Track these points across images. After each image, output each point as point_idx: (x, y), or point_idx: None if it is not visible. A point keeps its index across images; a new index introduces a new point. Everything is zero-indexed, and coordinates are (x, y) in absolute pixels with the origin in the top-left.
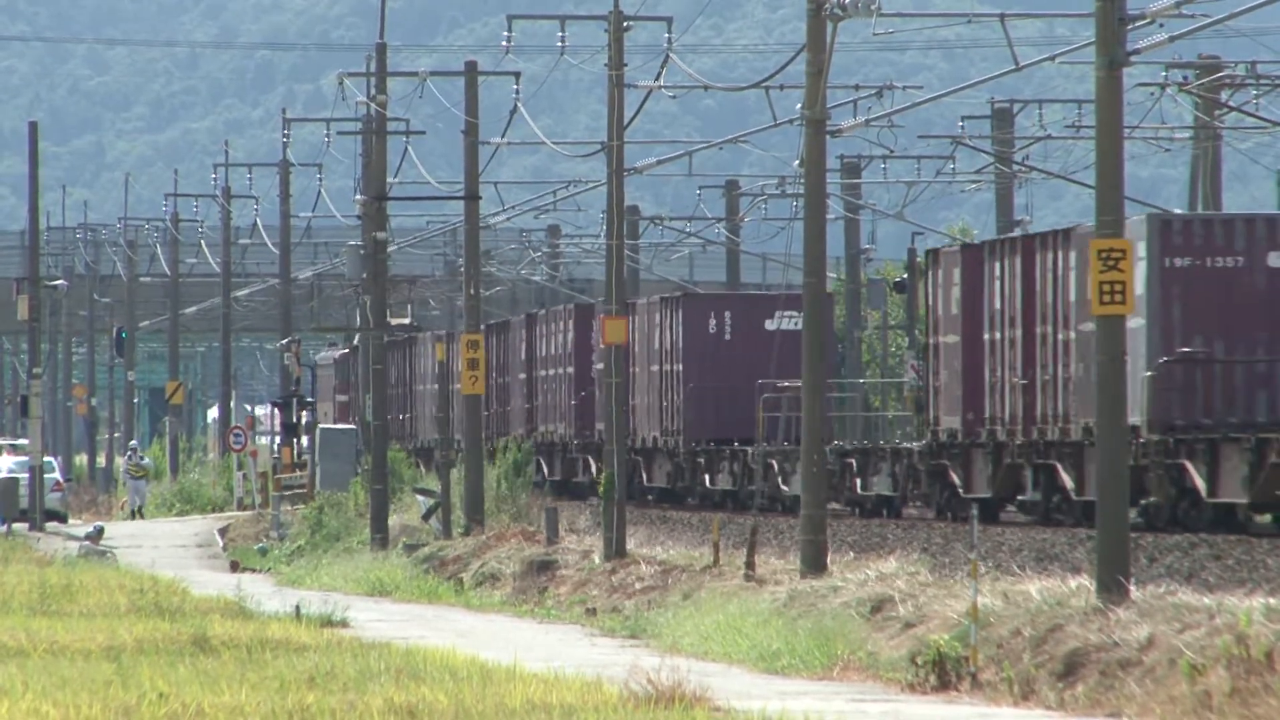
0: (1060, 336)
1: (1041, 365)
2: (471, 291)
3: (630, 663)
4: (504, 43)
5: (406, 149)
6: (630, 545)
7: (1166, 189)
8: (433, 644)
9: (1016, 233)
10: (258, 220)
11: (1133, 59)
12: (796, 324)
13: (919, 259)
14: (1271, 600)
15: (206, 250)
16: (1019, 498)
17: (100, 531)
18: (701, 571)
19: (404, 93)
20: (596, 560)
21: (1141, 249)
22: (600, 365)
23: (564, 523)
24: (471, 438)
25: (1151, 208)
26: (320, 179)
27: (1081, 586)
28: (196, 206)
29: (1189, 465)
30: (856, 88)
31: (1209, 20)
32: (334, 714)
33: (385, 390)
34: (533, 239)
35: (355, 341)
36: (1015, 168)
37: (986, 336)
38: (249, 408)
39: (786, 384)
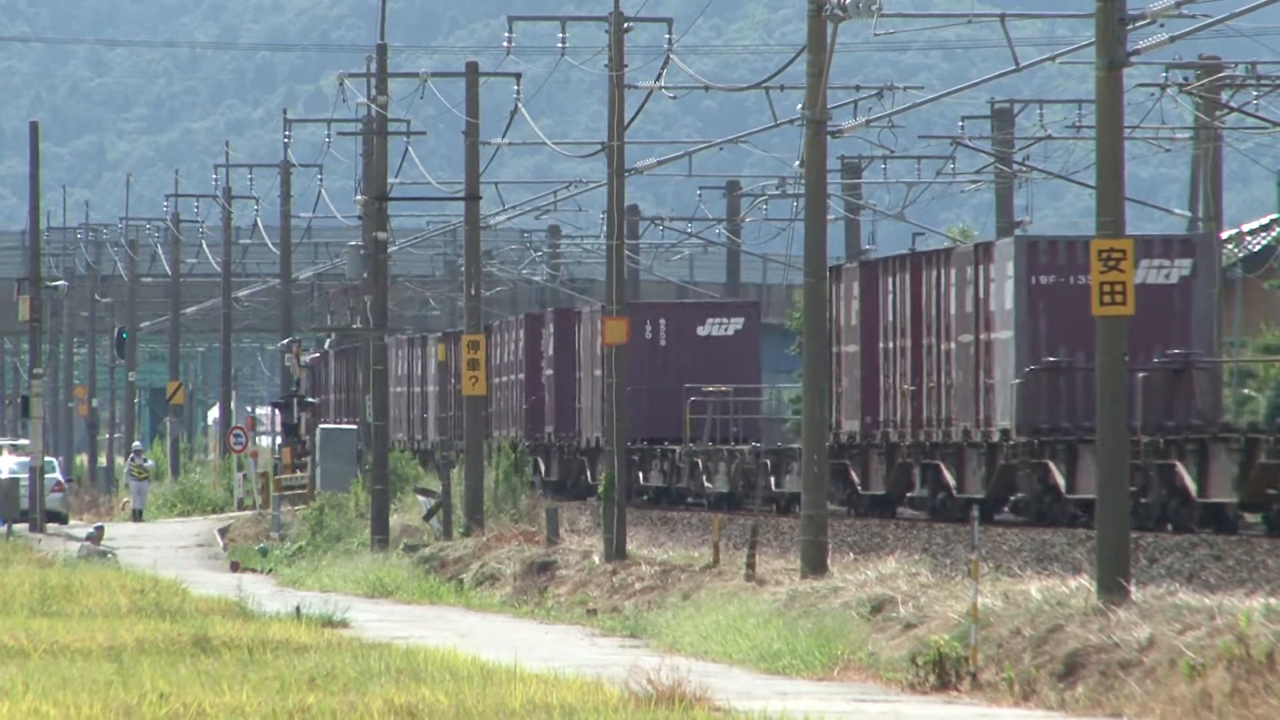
0: (943, 347)
1: (927, 373)
2: (472, 292)
3: (630, 663)
4: (505, 43)
5: (407, 149)
6: (630, 546)
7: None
8: (433, 644)
9: (926, 247)
10: (258, 220)
11: (1133, 59)
12: (726, 330)
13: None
14: (1272, 601)
15: (207, 250)
16: (908, 494)
17: (101, 532)
18: (701, 572)
19: (405, 93)
20: (597, 561)
21: (1010, 268)
22: (550, 371)
23: (564, 523)
24: (472, 438)
25: (1152, 208)
26: (321, 179)
27: (1081, 587)
28: (197, 207)
29: (1052, 465)
30: (857, 88)
31: (1209, 20)
32: (334, 714)
33: (385, 390)
34: (533, 239)
35: (327, 346)
36: (1015, 168)
37: (881, 346)
38: (249, 408)
39: (711, 388)
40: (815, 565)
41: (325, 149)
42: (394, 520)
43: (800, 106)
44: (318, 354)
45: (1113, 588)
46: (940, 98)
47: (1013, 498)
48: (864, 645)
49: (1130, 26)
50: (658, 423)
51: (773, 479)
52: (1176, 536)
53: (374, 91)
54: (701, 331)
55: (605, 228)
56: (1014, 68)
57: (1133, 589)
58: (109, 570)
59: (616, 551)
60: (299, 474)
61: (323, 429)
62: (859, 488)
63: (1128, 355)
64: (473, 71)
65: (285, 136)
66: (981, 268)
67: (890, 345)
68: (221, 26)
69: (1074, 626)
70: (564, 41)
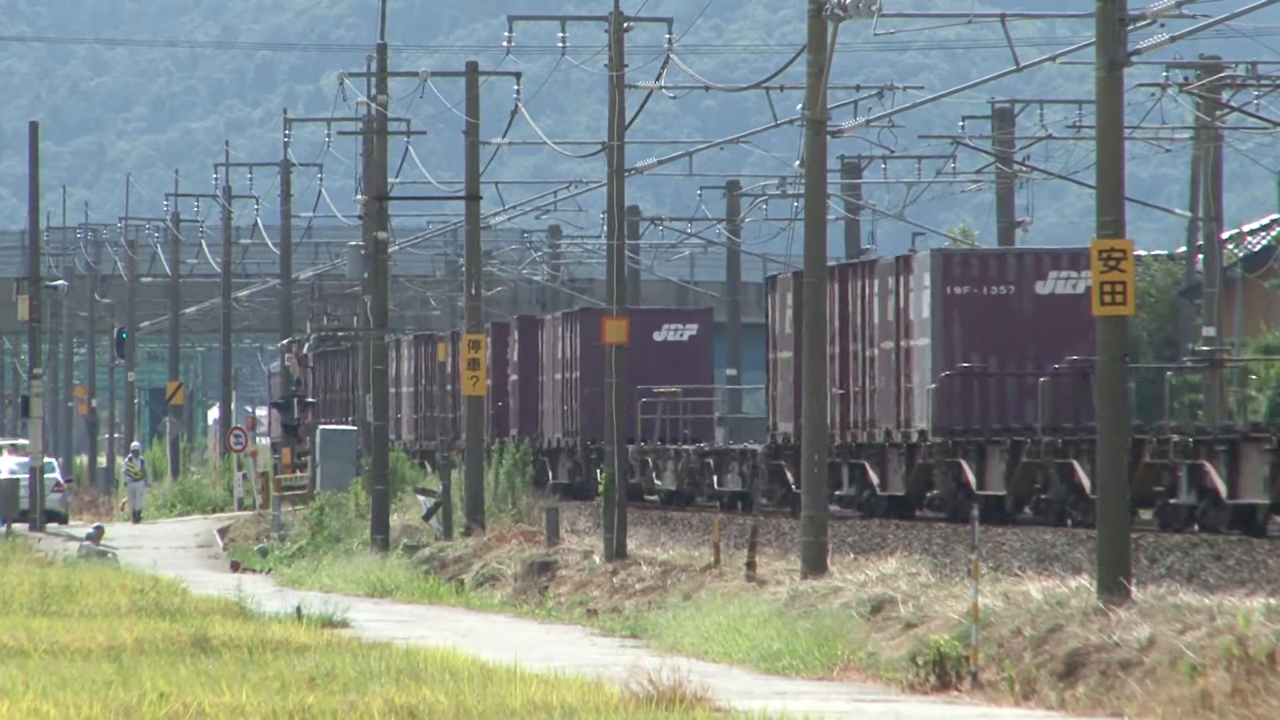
0: (868, 353)
1: (854, 378)
2: (473, 292)
3: (631, 663)
4: (505, 43)
5: (407, 149)
6: (631, 546)
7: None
8: (433, 644)
9: (875, 255)
10: (258, 220)
11: (1133, 59)
12: (681, 336)
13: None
14: (1272, 601)
15: (207, 250)
16: (837, 493)
17: (100, 532)
18: (702, 572)
19: (405, 93)
20: (597, 561)
21: (927, 279)
22: (515, 377)
23: (565, 523)
24: (473, 438)
25: (1152, 208)
26: (321, 179)
27: (1082, 587)
28: (197, 206)
29: (964, 464)
30: (857, 88)
31: (1209, 20)
32: (334, 714)
33: (385, 390)
34: (534, 239)
35: (305, 349)
36: (1016, 168)
37: None
38: (249, 408)
39: (661, 389)
40: (815, 565)
41: (325, 149)
42: (394, 520)
43: (800, 106)
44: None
45: (1113, 588)
46: (940, 98)
47: (928, 495)
48: (864, 645)
49: (1130, 26)
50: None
51: (715, 478)
52: (1176, 536)
53: (374, 91)
54: (658, 337)
55: (605, 228)
56: (1014, 68)
57: (1133, 589)
58: (109, 570)
59: (617, 551)
60: (299, 474)
61: (323, 429)
62: (793, 486)
63: (1070, 362)
64: (473, 71)
65: (285, 136)
66: (901, 279)
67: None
68: (221, 26)
69: (1074, 626)
70: (564, 41)
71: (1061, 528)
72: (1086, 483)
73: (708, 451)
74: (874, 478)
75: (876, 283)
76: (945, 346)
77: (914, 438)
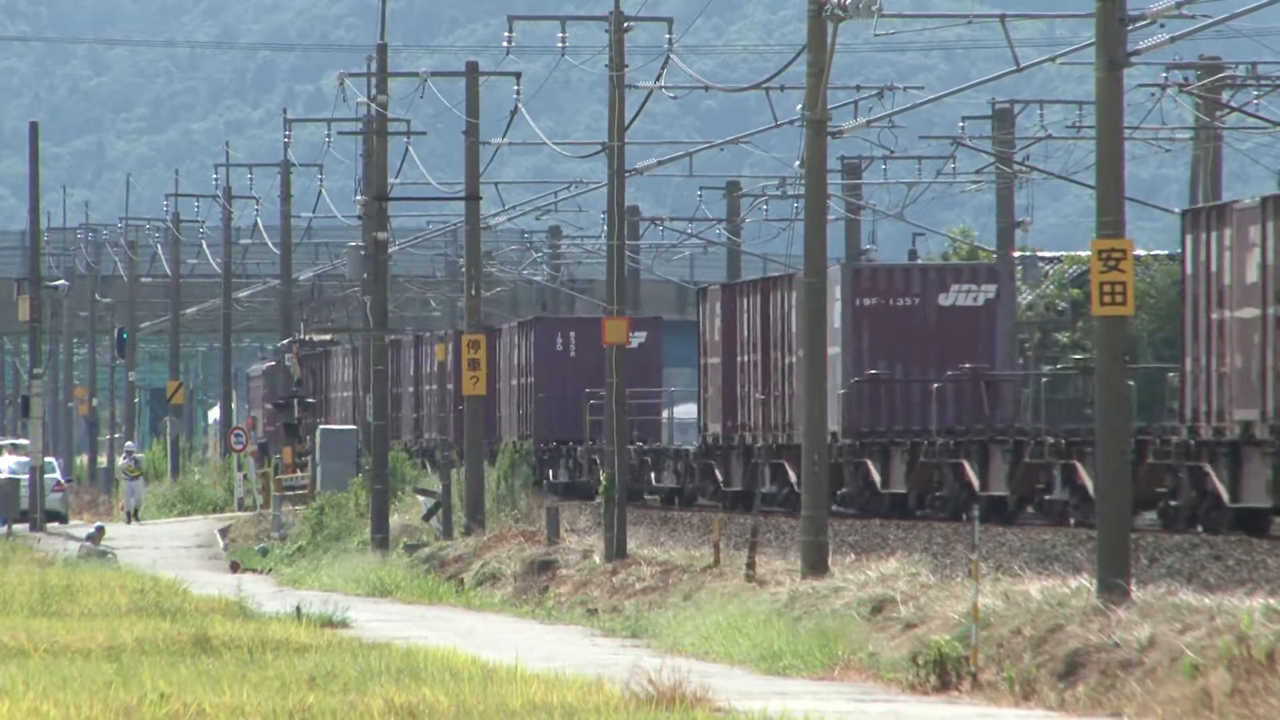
0: (786, 360)
1: (774, 383)
2: (473, 292)
3: (631, 663)
4: (505, 43)
5: (407, 149)
6: (631, 545)
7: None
8: (433, 644)
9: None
10: (258, 221)
11: (1133, 59)
12: (631, 343)
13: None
14: (1272, 601)
15: (207, 251)
16: (761, 490)
17: (101, 532)
18: (702, 572)
19: (404, 93)
20: (597, 560)
21: (838, 291)
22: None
23: (565, 523)
24: (473, 438)
25: (1152, 208)
26: (321, 179)
27: (1082, 587)
28: (197, 207)
29: (870, 463)
30: (857, 88)
31: (1209, 21)
32: (335, 714)
33: (385, 390)
34: (534, 239)
35: (283, 354)
36: (1016, 168)
37: (739, 359)
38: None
39: None
40: (816, 565)
41: (325, 149)
42: (394, 520)
43: (800, 107)
44: (273, 362)
45: (1113, 588)
46: (940, 98)
47: (839, 492)
48: (864, 645)
49: (1130, 27)
50: (567, 425)
51: (653, 475)
52: (1176, 536)
53: (374, 91)
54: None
55: (605, 228)
56: (1014, 68)
57: (1133, 589)
58: (109, 570)
59: (617, 551)
60: (299, 474)
61: (323, 429)
62: (722, 484)
63: (983, 370)
64: (473, 71)
65: (285, 136)
66: None
67: (745, 359)
68: (221, 26)
69: (1074, 626)
70: (564, 41)
71: (1046, 527)
72: (976, 481)
73: (646, 451)
74: (792, 476)
75: (794, 295)
76: (854, 354)
77: (827, 439)
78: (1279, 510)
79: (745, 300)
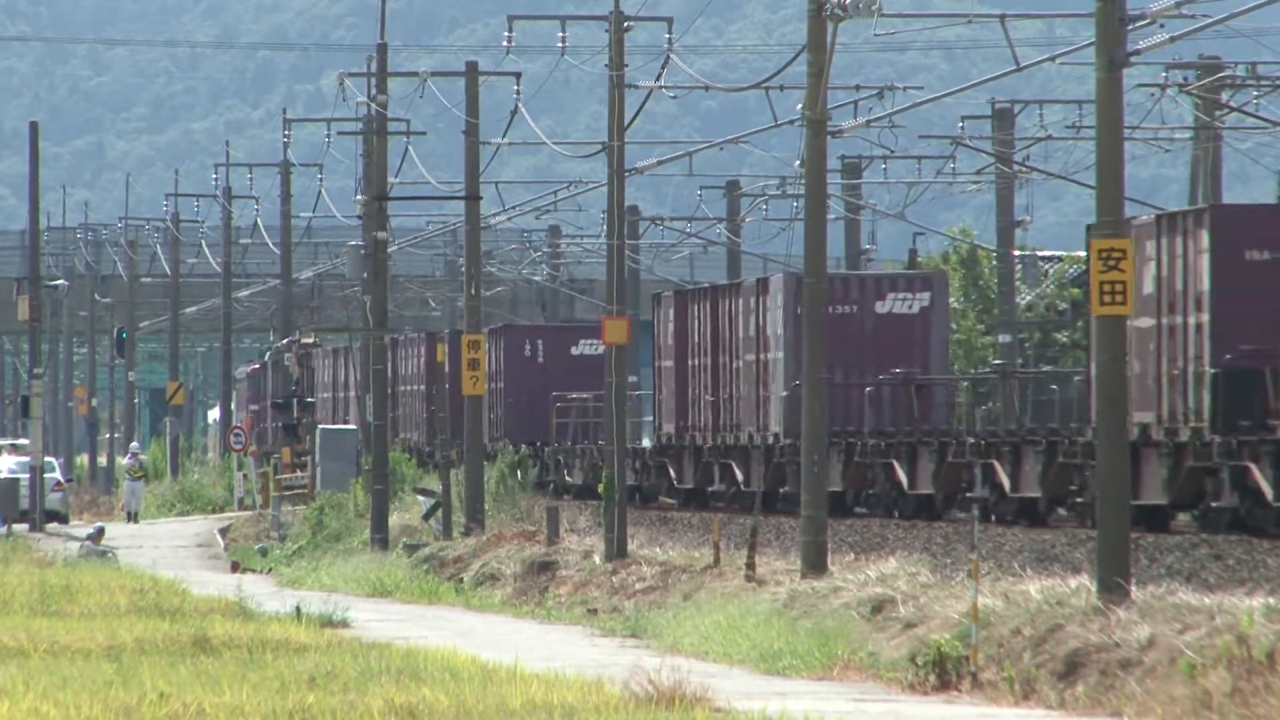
0: (734, 365)
1: (723, 386)
2: (472, 292)
3: (631, 663)
4: (504, 43)
5: (407, 149)
6: (631, 546)
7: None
8: (433, 644)
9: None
10: (258, 220)
11: (1133, 59)
12: (595, 350)
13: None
14: (1272, 600)
15: (207, 250)
16: (709, 488)
17: (101, 532)
18: (702, 572)
19: (404, 93)
20: (597, 561)
21: (780, 299)
22: (446, 385)
23: (564, 523)
24: (473, 438)
25: (1152, 207)
26: (321, 179)
27: (1082, 586)
28: (197, 206)
29: None
30: (857, 88)
31: (1209, 20)
32: (334, 714)
33: (385, 390)
34: (533, 239)
35: (266, 358)
36: (1016, 168)
37: (690, 363)
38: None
39: (574, 396)
40: (815, 565)
41: (325, 149)
42: (394, 520)
43: (800, 106)
44: (257, 365)
45: (1113, 587)
46: (940, 98)
47: (781, 490)
48: (864, 645)
49: (1130, 26)
50: (535, 427)
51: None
52: (1176, 537)
53: (374, 91)
54: (575, 351)
55: (605, 228)
56: (1014, 68)
57: (1133, 589)
58: (109, 570)
59: (617, 551)
60: (299, 474)
61: (323, 429)
62: (675, 482)
63: (903, 375)
64: (473, 71)
65: (285, 136)
66: (760, 299)
67: (696, 362)
68: (221, 26)
69: (1074, 626)
70: (564, 41)
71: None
72: (905, 480)
73: (603, 450)
74: (739, 474)
75: (741, 302)
76: (795, 359)
77: (770, 440)
78: (1176, 506)
79: (696, 307)
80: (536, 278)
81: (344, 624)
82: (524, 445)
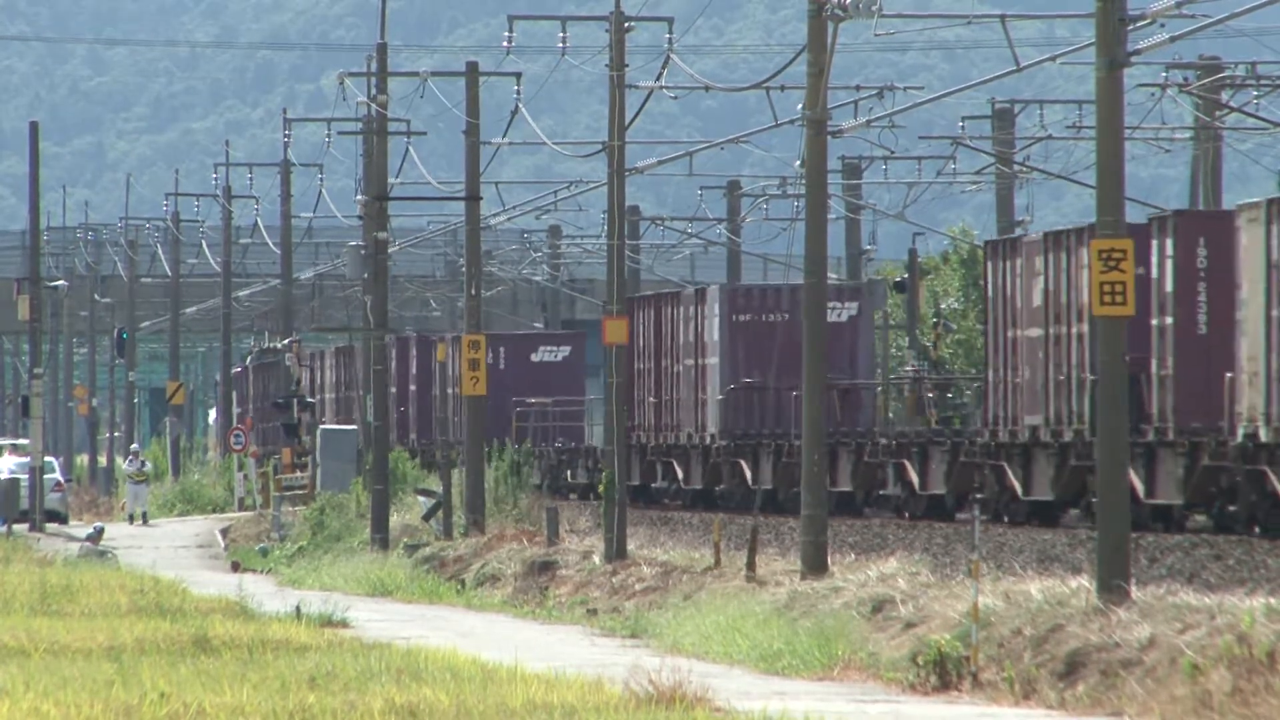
0: (675, 369)
1: (665, 389)
2: (473, 292)
3: (631, 663)
4: (505, 43)
5: (407, 149)
6: (631, 546)
7: (1166, 189)
8: (434, 644)
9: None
10: (259, 220)
11: (1133, 59)
12: (555, 357)
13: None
14: (1272, 600)
15: (207, 250)
16: (653, 485)
17: (101, 532)
18: (702, 572)
19: (405, 93)
20: (597, 561)
21: (717, 308)
22: (413, 388)
23: (564, 523)
24: (473, 438)
25: (1152, 207)
26: (321, 179)
27: (1082, 587)
28: (197, 206)
29: (743, 462)
30: (857, 88)
31: (1209, 20)
32: (335, 714)
33: (385, 390)
34: (534, 239)
35: (249, 361)
36: (1016, 168)
37: (636, 366)
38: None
39: (534, 400)
40: (815, 565)
41: (325, 149)
42: (394, 520)
43: (801, 106)
44: (240, 368)
45: (1113, 587)
46: (941, 98)
47: (717, 488)
48: (864, 645)
49: (1130, 26)
50: (498, 430)
51: (569, 472)
52: (1177, 536)
53: (374, 91)
54: (535, 358)
55: (605, 228)
56: (1014, 68)
57: (1133, 589)
58: (109, 570)
59: (617, 552)
60: (299, 474)
61: (323, 429)
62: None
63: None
64: (473, 71)
65: (285, 136)
66: (698, 307)
67: (642, 366)
68: (221, 26)
69: (1074, 626)
70: (564, 41)
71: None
72: (826, 478)
73: (563, 451)
74: (679, 472)
75: (681, 310)
76: (731, 364)
77: (708, 440)
78: (1063, 502)
79: (641, 314)
80: (537, 278)
81: (344, 624)
82: (487, 446)
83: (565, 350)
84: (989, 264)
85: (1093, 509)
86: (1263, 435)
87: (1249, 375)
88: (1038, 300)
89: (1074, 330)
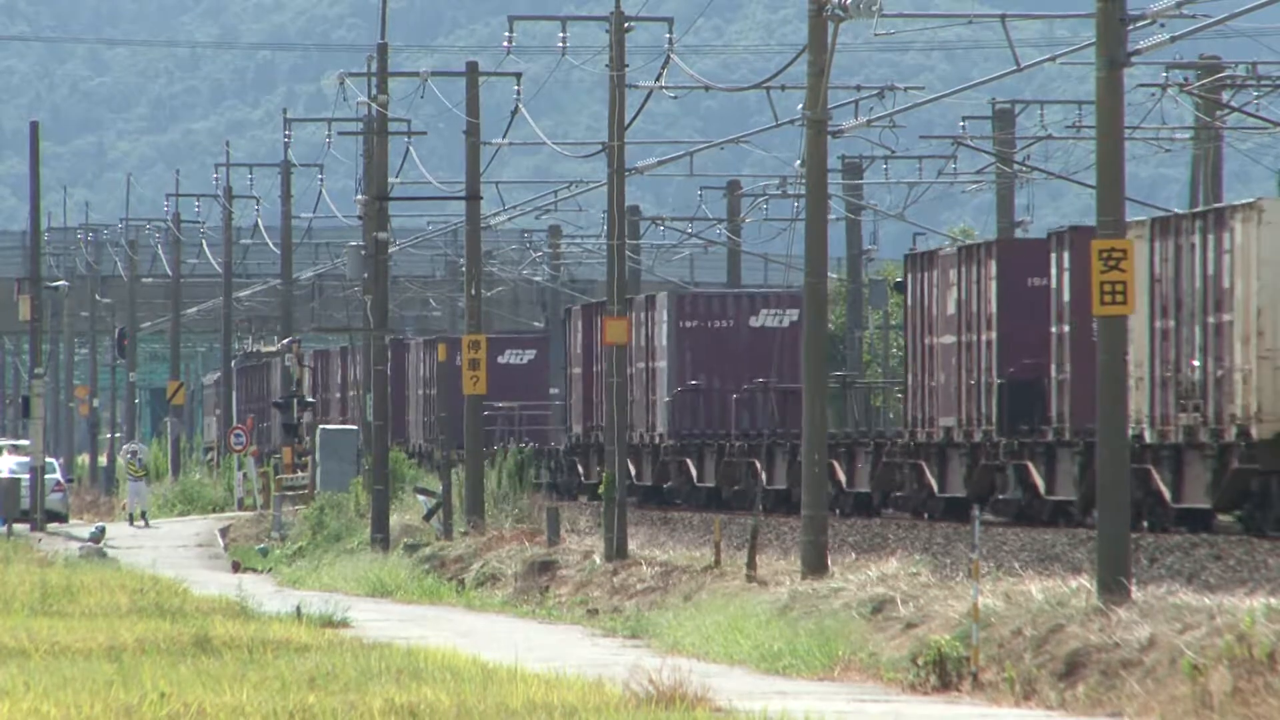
0: (629, 371)
1: (630, 390)
2: (473, 292)
3: (631, 663)
4: (505, 43)
5: (408, 149)
6: (631, 546)
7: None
8: (434, 644)
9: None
10: (259, 220)
11: (1133, 59)
12: (521, 360)
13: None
14: (1273, 600)
15: (208, 251)
16: None
17: (102, 532)
18: (703, 572)
19: (405, 93)
20: (598, 561)
21: (665, 314)
22: (387, 389)
23: (565, 523)
24: (473, 438)
25: (1152, 208)
26: (321, 179)
27: (1082, 587)
28: (198, 207)
29: (689, 461)
30: (858, 88)
31: (1210, 20)
32: (335, 714)
33: (385, 390)
34: (534, 239)
35: (234, 365)
36: (1016, 168)
37: (595, 369)
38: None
39: (501, 404)
40: (816, 565)
41: (325, 149)
42: (394, 520)
43: (801, 106)
44: (220, 373)
45: (1113, 588)
46: (941, 98)
47: (665, 485)
48: (865, 645)
49: (1130, 26)
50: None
51: (533, 470)
52: (1176, 536)
53: (374, 91)
54: (501, 360)
55: (606, 228)
56: (1015, 68)
57: (1133, 589)
58: (109, 570)
59: (617, 552)
60: (299, 474)
61: (323, 429)
62: (583, 478)
63: (769, 380)
64: (473, 71)
65: (285, 136)
66: (648, 314)
67: (600, 369)
68: (221, 26)
69: (1075, 626)
70: (564, 41)
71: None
72: (764, 476)
73: (529, 452)
74: (632, 470)
75: (634, 316)
76: (678, 368)
77: (657, 439)
78: (974, 499)
79: (599, 319)
80: (537, 278)
81: (344, 624)
82: (454, 450)
83: (531, 354)
84: (909, 275)
85: (998, 507)
86: (1147, 436)
87: (1135, 380)
88: (951, 309)
89: (983, 338)
